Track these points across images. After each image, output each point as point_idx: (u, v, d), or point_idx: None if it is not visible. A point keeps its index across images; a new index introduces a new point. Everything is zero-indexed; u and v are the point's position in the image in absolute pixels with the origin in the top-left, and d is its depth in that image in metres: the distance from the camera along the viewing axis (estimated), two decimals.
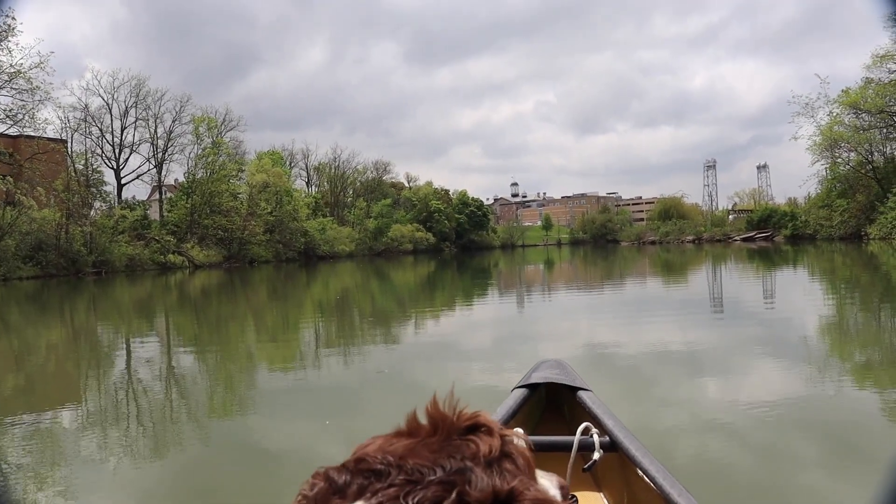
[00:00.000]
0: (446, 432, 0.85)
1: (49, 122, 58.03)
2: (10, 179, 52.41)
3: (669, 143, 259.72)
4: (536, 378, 3.71)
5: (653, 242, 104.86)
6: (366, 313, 21.21)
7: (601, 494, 3.31)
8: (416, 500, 0.74)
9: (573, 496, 2.92)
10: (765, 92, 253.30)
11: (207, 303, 28.73)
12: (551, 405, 3.92)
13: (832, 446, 5.89)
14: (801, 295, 20.35)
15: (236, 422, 7.82)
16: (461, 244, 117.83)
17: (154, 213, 77.58)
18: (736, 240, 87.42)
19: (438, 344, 13.41)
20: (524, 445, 0.87)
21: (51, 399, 9.53)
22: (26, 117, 54.81)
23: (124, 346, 15.95)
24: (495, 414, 3.23)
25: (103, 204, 69.84)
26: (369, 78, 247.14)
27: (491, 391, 7.81)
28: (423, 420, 0.88)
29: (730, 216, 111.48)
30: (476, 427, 0.86)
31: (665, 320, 15.09)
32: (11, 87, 53.71)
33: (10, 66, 53.19)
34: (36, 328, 20.45)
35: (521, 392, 3.56)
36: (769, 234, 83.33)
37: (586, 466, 2.89)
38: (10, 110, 54.31)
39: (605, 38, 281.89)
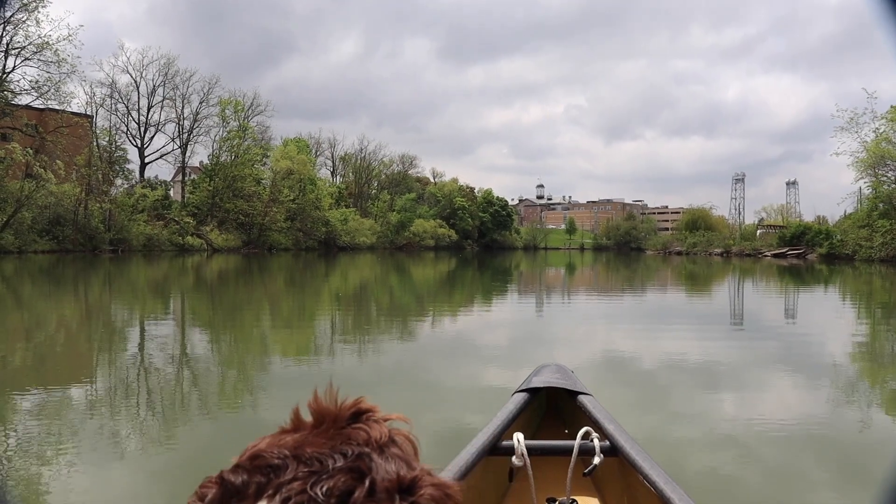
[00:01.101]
0: (332, 422, 0.83)
1: (73, 95, 58.49)
2: (30, 151, 52.74)
3: (698, 153, 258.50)
4: (537, 382, 3.75)
5: (679, 253, 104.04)
6: (383, 308, 21.29)
7: (601, 499, 3.35)
8: (323, 490, 0.72)
9: (574, 500, 2.98)
10: (798, 108, 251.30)
11: (224, 287, 28.94)
12: (552, 409, 3.97)
13: (847, 471, 5.88)
14: (833, 316, 20.13)
15: (246, 409, 7.90)
16: (483, 243, 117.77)
17: (177, 195, 78.19)
18: (766, 255, 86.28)
19: (452, 343, 13.51)
20: (407, 429, 0.87)
21: (60, 376, 9.66)
22: (52, 90, 55.36)
23: (138, 326, 16.12)
24: (496, 417, 3.28)
25: (125, 182, 70.56)
26: (400, 73, 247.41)
27: (496, 393, 7.83)
28: (308, 417, 0.86)
29: (757, 231, 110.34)
30: (360, 413, 0.85)
31: (686, 333, 15.02)
32: (38, 59, 54.24)
33: (39, 37, 53.76)
34: (48, 303, 20.69)
35: (522, 396, 3.61)
36: (802, 252, 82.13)
37: (587, 471, 2.94)
38: (35, 82, 54.90)
39: (639, 46, 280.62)
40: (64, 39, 54.07)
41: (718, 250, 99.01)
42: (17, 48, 53.71)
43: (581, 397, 3.58)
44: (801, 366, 11.02)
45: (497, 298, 25.81)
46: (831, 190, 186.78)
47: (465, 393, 8.40)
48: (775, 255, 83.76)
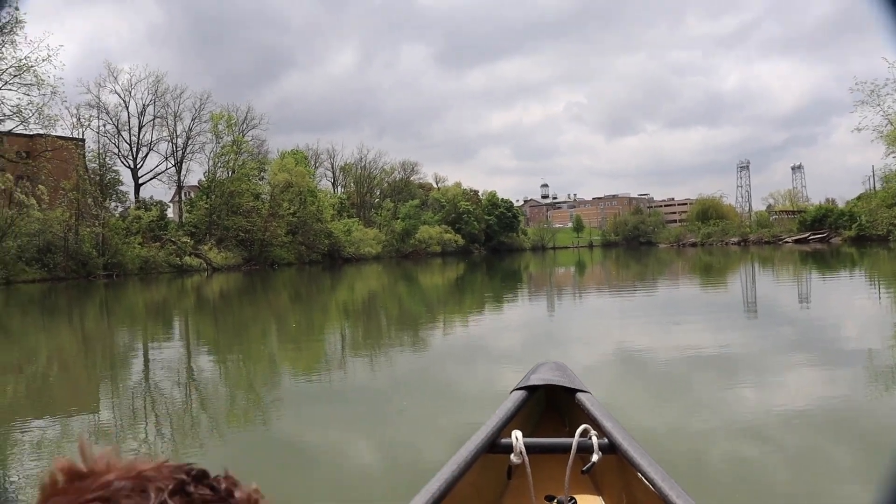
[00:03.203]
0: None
1: (57, 118, 58.24)
2: (10, 177, 52.14)
3: (701, 143, 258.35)
4: (535, 380, 3.84)
5: (694, 244, 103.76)
6: (393, 317, 21.22)
7: (600, 496, 3.43)
8: None
9: (572, 498, 3.04)
10: (800, 92, 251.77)
11: (227, 307, 28.87)
12: (550, 407, 4.08)
13: (869, 457, 5.84)
14: (867, 302, 19.84)
15: (259, 428, 7.99)
16: (491, 246, 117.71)
17: (175, 215, 78.25)
18: (787, 241, 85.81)
19: (465, 348, 13.56)
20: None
21: (60, 408, 9.58)
22: (34, 114, 55.21)
23: (140, 352, 16.15)
24: (494, 415, 3.38)
25: (118, 204, 70.48)
26: (400, 81, 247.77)
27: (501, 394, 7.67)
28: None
29: (770, 217, 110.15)
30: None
31: (708, 327, 14.90)
32: (18, 83, 54.09)
33: (17, 59, 53.60)
34: (41, 334, 20.53)
35: (520, 394, 3.71)
36: (826, 236, 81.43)
37: (585, 468, 3.05)
38: (16, 106, 54.73)
39: (637, 39, 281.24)
40: (44, 61, 54.03)
41: (735, 239, 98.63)
42: None
43: (579, 395, 3.66)
44: (840, 357, 10.87)
45: (508, 301, 25.68)
46: (837, 171, 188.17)
47: (480, 396, 8.32)
48: (797, 241, 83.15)
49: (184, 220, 73.69)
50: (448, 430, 6.88)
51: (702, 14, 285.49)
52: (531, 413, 3.86)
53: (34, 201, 52.18)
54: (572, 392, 3.71)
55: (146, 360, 14.19)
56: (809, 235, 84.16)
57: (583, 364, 9.92)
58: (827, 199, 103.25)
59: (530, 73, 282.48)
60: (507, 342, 13.99)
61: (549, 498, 3.07)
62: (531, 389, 3.77)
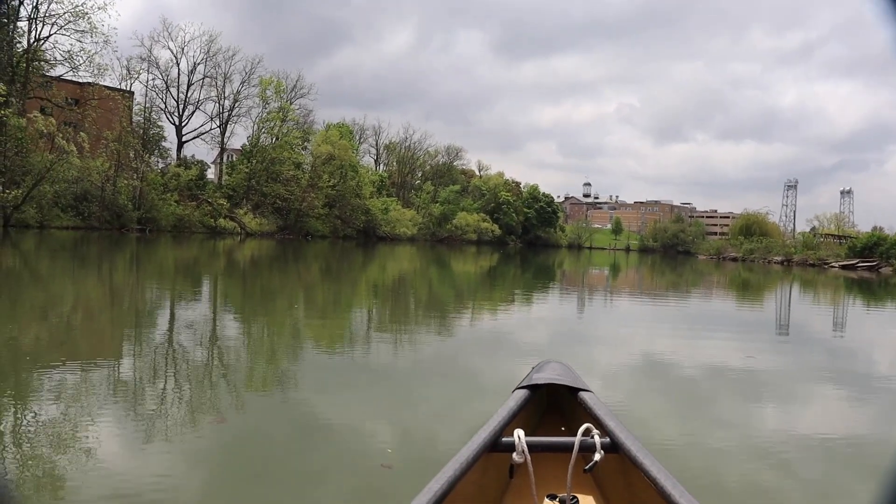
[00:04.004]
0: None
1: (107, 68, 59.08)
2: (53, 121, 52.87)
3: (750, 158, 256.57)
4: (538, 379, 3.89)
5: (735, 259, 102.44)
6: (421, 300, 21.34)
7: (602, 496, 3.46)
8: None
9: (574, 497, 3.11)
10: (858, 116, 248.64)
11: (256, 273, 29.15)
12: (552, 406, 4.12)
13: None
14: None
15: (276, 398, 8.00)
16: (527, 239, 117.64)
17: (216, 176, 79.01)
18: (833, 266, 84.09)
19: (490, 339, 13.51)
20: None
21: (80, 357, 9.74)
22: (85, 61, 56.01)
23: (165, 308, 16.30)
24: (496, 414, 3.43)
25: (160, 160, 71.34)
26: (454, 65, 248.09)
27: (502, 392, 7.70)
28: None
29: (815, 240, 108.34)
30: None
31: (736, 344, 14.79)
32: (73, 28, 54.91)
33: (73, 5, 54.44)
34: (67, 281, 20.83)
35: (523, 393, 3.75)
36: (875, 265, 79.53)
37: (587, 467, 3.07)
38: (68, 52, 55.56)
39: (697, 47, 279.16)
40: (100, 9, 55.02)
41: (778, 258, 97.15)
42: (54, 15, 54.54)
43: (582, 394, 3.71)
44: (871, 392, 10.75)
45: (538, 297, 25.65)
46: (886, 200, 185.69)
47: (495, 388, 8.33)
48: (844, 267, 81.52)
49: (223, 183, 74.43)
50: (459, 419, 6.96)
51: (767, 28, 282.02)
52: (533, 412, 3.90)
53: (74, 148, 52.89)
54: (575, 391, 3.76)
55: (171, 318, 14.39)
56: (858, 262, 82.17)
57: (604, 367, 9.93)
58: (875, 227, 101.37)
59: (585, 71, 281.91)
60: (530, 338, 13.97)
61: (552, 497, 3.12)
62: (533, 388, 3.81)
